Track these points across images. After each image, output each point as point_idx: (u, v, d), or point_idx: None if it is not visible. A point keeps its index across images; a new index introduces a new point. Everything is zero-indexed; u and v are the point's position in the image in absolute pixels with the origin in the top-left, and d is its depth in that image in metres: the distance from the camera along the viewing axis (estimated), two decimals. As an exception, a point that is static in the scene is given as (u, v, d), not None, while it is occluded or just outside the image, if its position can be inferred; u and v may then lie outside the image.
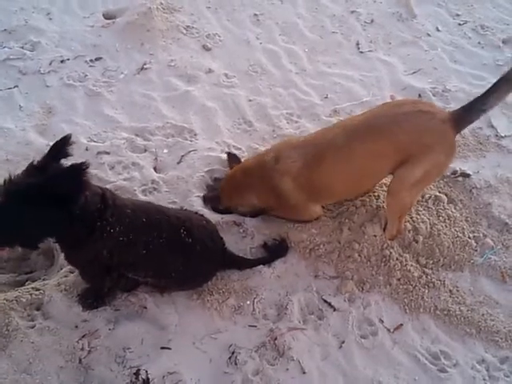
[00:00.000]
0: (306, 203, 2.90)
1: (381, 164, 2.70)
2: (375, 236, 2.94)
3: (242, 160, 3.20)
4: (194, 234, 2.52)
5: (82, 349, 2.50)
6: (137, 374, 2.43)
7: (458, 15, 4.60)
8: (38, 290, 2.69)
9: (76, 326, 2.58)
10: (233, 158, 3.20)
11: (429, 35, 4.40)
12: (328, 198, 3.00)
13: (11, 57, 3.98)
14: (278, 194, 2.84)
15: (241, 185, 2.97)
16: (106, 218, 2.26)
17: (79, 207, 2.09)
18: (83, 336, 2.54)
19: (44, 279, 2.82)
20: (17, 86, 3.80)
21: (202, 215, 2.82)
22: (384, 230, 2.94)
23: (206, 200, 3.10)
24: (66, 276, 2.73)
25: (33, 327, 2.54)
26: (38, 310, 2.62)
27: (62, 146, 2.19)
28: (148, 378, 2.42)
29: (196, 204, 3.08)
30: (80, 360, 2.47)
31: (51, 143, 3.36)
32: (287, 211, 2.98)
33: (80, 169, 2.02)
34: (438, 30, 4.46)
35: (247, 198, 2.98)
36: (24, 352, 2.45)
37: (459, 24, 4.52)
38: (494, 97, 2.55)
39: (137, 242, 2.39)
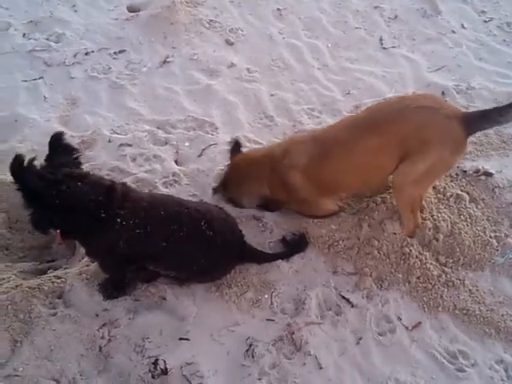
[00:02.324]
0: (315, 197, 2.92)
1: (384, 157, 2.70)
2: (395, 233, 2.92)
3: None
4: (215, 226, 2.54)
5: (102, 337, 2.54)
6: (155, 363, 2.46)
7: (483, 12, 4.54)
8: (59, 278, 2.74)
9: (96, 315, 2.62)
10: (236, 147, 3.14)
11: (453, 32, 4.35)
12: (335, 192, 3.00)
13: (37, 48, 4.04)
14: (287, 187, 2.87)
15: (249, 176, 2.98)
16: (113, 210, 2.31)
17: (67, 199, 2.17)
18: (103, 325, 2.58)
19: (66, 268, 2.87)
20: (42, 78, 3.86)
21: (221, 208, 2.84)
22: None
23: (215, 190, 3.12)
24: (87, 265, 2.78)
25: (54, 315, 2.59)
26: (59, 298, 2.67)
27: (56, 144, 2.30)
28: (166, 368, 2.44)
29: (216, 197, 3.09)
30: (100, 348, 2.51)
31: (75, 134, 3.44)
32: (298, 205, 3.00)
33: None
34: (462, 26, 4.41)
35: (257, 189, 3.00)
36: (45, 339, 2.50)
37: (485, 21, 4.46)
38: None
39: (155, 234, 2.42)
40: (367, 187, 3.07)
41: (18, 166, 2.14)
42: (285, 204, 3.04)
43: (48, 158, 2.28)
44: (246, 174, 2.98)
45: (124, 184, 2.50)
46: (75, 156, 2.36)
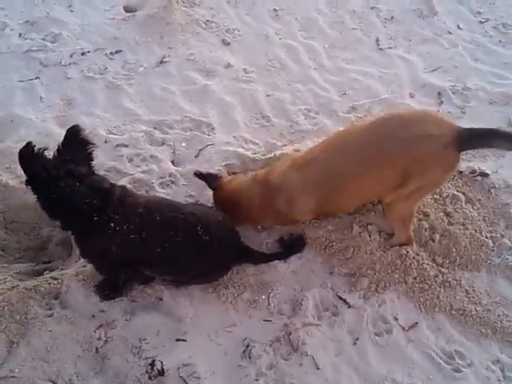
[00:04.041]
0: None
1: (387, 184, 2.68)
2: (392, 234, 2.92)
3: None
4: (211, 230, 2.54)
5: (99, 338, 2.54)
6: (152, 364, 2.46)
7: (479, 13, 4.54)
8: (56, 279, 2.74)
9: (93, 316, 2.62)
10: (210, 178, 3.03)
11: (450, 33, 4.35)
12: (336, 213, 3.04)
13: (33, 48, 4.03)
14: (293, 220, 2.94)
15: (248, 215, 2.90)
16: (107, 214, 2.32)
17: (63, 197, 2.20)
18: (100, 326, 2.58)
19: (62, 269, 2.86)
20: (38, 78, 3.85)
21: (217, 210, 2.84)
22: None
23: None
24: (83, 266, 2.77)
25: (51, 316, 2.59)
26: (55, 299, 2.67)
27: (71, 137, 2.31)
28: (163, 369, 2.45)
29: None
30: (97, 349, 2.51)
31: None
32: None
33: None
34: (459, 27, 4.41)
35: (255, 223, 3.02)
36: (42, 340, 2.50)
37: (480, 22, 4.46)
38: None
39: (151, 240, 2.42)
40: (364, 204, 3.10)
41: (28, 153, 2.18)
42: None
43: (59, 151, 2.27)
44: (245, 212, 2.88)
45: (123, 188, 2.50)
46: (88, 152, 2.34)
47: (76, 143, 2.31)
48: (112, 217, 2.33)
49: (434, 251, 2.91)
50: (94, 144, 2.37)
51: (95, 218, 2.29)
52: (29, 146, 2.20)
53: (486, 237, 2.98)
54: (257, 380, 2.45)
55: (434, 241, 2.93)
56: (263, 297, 2.72)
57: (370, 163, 2.60)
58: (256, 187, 2.86)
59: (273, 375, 2.47)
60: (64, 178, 2.19)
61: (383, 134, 2.63)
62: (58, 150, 2.27)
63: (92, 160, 2.36)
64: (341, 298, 2.74)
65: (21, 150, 2.20)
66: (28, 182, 2.23)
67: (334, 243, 2.91)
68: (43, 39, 4.11)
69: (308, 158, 2.81)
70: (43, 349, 2.47)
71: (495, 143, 2.67)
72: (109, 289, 2.64)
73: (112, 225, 2.34)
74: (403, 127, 2.61)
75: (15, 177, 3.16)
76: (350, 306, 2.71)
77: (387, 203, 2.80)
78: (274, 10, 4.51)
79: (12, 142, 3.37)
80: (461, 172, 3.24)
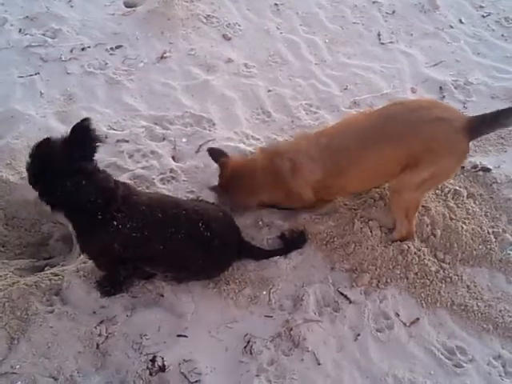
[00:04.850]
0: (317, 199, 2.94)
1: (393, 167, 2.68)
2: (393, 229, 2.91)
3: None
4: (213, 227, 2.54)
5: (100, 334, 2.53)
6: (153, 360, 2.45)
7: (481, 7, 4.53)
8: (56, 275, 2.73)
9: (94, 312, 2.61)
10: (217, 153, 3.07)
11: (451, 27, 4.34)
12: (339, 195, 3.03)
13: (33, 44, 4.02)
14: (294, 197, 2.89)
15: (252, 187, 2.91)
16: (110, 213, 2.32)
17: (68, 195, 2.20)
18: (101, 322, 2.57)
19: (63, 265, 2.86)
20: (38, 73, 3.84)
21: (218, 206, 2.84)
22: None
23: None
24: (84, 262, 2.76)
25: (51, 312, 2.58)
26: (56, 295, 2.66)
27: (79, 134, 2.27)
28: (164, 365, 2.44)
29: (213, 194, 3.08)
30: (98, 345, 2.50)
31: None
32: (298, 205, 3.01)
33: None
34: (460, 21, 4.39)
35: (259, 198, 2.97)
36: (43, 336, 2.49)
37: (483, 16, 4.45)
38: None
39: (153, 238, 2.42)
40: (367, 190, 3.09)
41: (46, 145, 2.20)
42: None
43: (67, 147, 2.23)
44: (248, 184, 2.90)
45: (127, 186, 2.50)
46: (93, 148, 2.31)
47: (83, 139, 2.26)
48: (115, 215, 2.34)
49: (435, 246, 2.90)
50: (100, 140, 2.33)
51: (99, 217, 2.30)
52: (49, 139, 2.22)
53: (488, 232, 2.97)
54: (258, 376, 2.44)
55: (435, 236, 2.92)
56: (264, 292, 2.72)
57: (378, 143, 2.61)
58: (262, 159, 2.89)
59: (274, 371, 2.46)
60: (72, 175, 2.18)
61: (392, 117, 2.66)
62: (64, 145, 2.22)
63: (94, 154, 2.33)
64: (342, 294, 2.74)
65: (41, 141, 2.22)
66: (36, 178, 2.24)
67: (335, 239, 2.90)
68: (43, 34, 4.10)
69: (314, 135, 2.87)
70: (44, 345, 2.47)
71: (507, 122, 2.63)
72: (109, 285, 2.64)
73: (115, 223, 2.34)
74: (412, 111, 2.62)
75: (16, 173, 3.16)
76: (351, 302, 2.71)
77: (395, 192, 2.78)
78: (275, 4, 4.50)
79: (12, 138, 3.37)
80: (463, 167, 3.22)
